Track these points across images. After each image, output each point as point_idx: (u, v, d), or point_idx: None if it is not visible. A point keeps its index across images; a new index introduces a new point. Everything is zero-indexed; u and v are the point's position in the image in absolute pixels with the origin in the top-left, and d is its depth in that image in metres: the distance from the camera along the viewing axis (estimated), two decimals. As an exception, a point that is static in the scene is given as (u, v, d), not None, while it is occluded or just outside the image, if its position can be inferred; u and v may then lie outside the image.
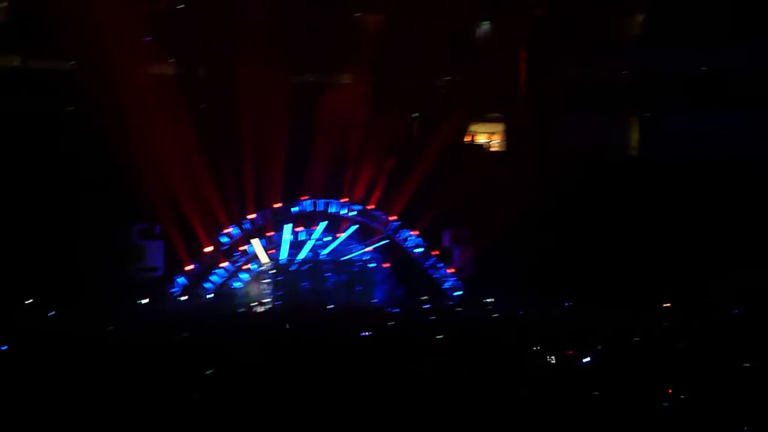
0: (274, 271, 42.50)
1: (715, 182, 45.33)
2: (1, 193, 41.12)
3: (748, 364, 21.47)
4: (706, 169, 45.73)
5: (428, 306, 41.56)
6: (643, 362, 22.23)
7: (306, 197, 43.32)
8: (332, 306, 40.54)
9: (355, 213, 43.74)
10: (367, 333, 28.85)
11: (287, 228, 42.79)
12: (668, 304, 39.13)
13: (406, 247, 44.01)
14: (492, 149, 51.30)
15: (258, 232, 42.91)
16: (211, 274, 42.36)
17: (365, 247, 43.68)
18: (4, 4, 45.92)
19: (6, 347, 23.90)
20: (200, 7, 46.75)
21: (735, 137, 48.18)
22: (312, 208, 43.39)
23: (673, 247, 43.95)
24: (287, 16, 45.79)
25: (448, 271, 44.35)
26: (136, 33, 43.34)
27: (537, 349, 23.65)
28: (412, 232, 43.97)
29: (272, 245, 42.98)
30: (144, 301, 40.93)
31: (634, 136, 50.64)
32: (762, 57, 48.75)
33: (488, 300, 42.16)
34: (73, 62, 45.28)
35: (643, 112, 50.35)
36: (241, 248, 42.82)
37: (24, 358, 23.27)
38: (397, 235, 43.95)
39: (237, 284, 42.83)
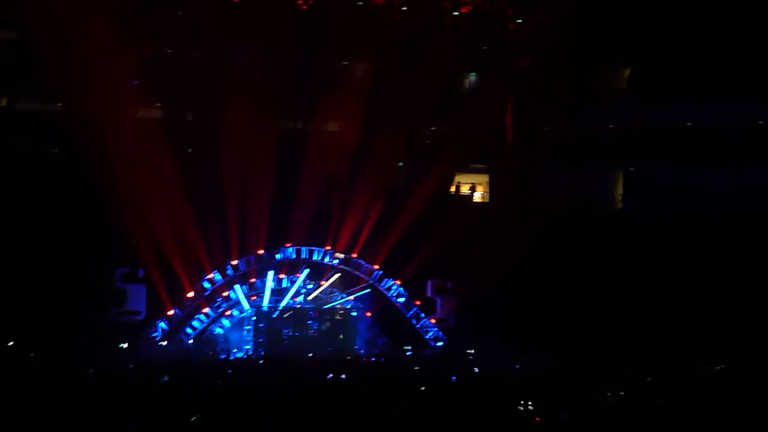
0: (256, 317, 42.33)
1: (700, 237, 45.51)
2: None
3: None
4: (691, 223, 45.91)
5: (410, 355, 41.54)
6: (624, 419, 22.20)
7: (289, 244, 43.23)
8: (312, 354, 40.46)
9: (338, 261, 43.65)
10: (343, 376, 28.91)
11: (270, 275, 42.65)
12: (651, 360, 39.14)
13: (389, 297, 43.91)
14: (476, 200, 51.41)
15: (241, 278, 42.78)
16: (192, 319, 42.14)
17: (348, 296, 43.56)
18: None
19: None
20: (187, 53, 46.86)
21: (719, 192, 48.48)
22: (295, 256, 43.29)
23: (656, 301, 44.01)
24: (274, 64, 45.99)
25: (431, 321, 44.24)
26: (123, 77, 43.42)
27: (522, 404, 23.55)
28: (395, 282, 43.89)
29: (255, 291, 42.83)
30: (124, 345, 40.68)
31: (619, 189, 50.87)
32: (747, 113, 49.17)
33: (470, 351, 42.14)
34: (60, 104, 45.30)
35: (628, 165, 50.60)
36: (224, 294, 42.65)
37: (2, 399, 23.11)
38: (380, 284, 43.85)
39: (218, 330, 42.63)
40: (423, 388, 27.14)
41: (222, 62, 46.09)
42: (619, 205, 50.90)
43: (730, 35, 46.96)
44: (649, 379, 31.59)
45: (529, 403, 23.83)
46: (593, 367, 34.53)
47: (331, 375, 29.79)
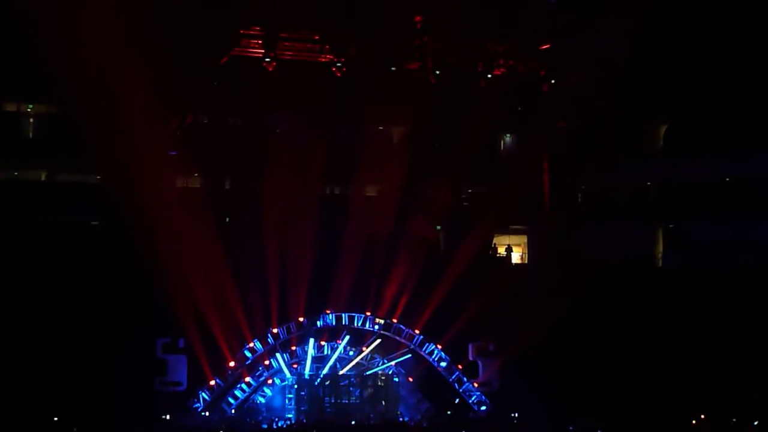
0: (298, 385, 42.16)
1: (744, 292, 45.10)
2: (24, 304, 41.14)
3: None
4: (734, 278, 45.47)
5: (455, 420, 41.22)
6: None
7: (329, 311, 43.16)
8: (355, 421, 40.20)
9: (378, 327, 43.47)
10: None
11: (311, 342, 42.53)
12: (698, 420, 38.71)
13: (431, 361, 43.64)
14: (515, 261, 51.18)
15: (281, 346, 42.67)
16: (234, 388, 42.02)
17: (389, 361, 43.31)
18: (33, 119, 46.67)
19: None
20: (225, 122, 47.20)
21: (761, 245, 48.03)
22: (335, 322, 43.19)
23: (700, 359, 43.57)
24: (311, 130, 46.22)
25: (474, 384, 43.90)
26: (163, 147, 43.69)
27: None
28: (436, 346, 43.63)
29: (296, 359, 42.70)
30: (166, 417, 40.60)
31: (660, 246, 50.50)
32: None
33: (515, 414, 41.79)
34: (99, 176, 45.63)
35: (668, 220, 50.28)
36: (265, 363, 42.56)
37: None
38: (421, 349, 43.60)
39: (260, 399, 42.49)
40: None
41: (259, 130, 46.35)
42: (660, 262, 50.51)
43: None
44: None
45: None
46: (642, 428, 34.16)
47: None
